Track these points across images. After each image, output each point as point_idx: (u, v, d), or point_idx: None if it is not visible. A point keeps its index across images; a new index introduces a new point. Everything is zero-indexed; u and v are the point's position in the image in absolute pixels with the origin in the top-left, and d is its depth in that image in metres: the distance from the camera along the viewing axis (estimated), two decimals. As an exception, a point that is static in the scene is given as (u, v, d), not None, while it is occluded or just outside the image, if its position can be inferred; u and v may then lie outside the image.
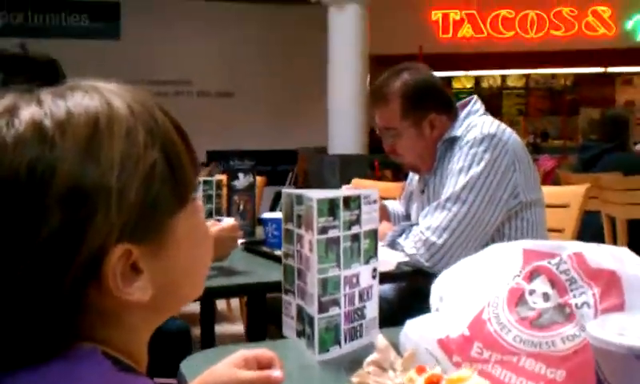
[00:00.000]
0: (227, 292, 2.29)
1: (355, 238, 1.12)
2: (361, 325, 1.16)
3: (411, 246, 1.96)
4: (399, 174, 6.11)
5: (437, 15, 11.00)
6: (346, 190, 1.18)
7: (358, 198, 1.11)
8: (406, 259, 1.95)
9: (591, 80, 12.68)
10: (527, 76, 12.94)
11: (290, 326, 1.19)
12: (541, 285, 0.91)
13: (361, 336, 1.16)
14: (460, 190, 1.95)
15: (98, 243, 0.56)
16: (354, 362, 1.10)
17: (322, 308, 1.08)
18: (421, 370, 0.83)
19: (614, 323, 0.67)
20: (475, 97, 2.19)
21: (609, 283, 0.86)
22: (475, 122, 2.04)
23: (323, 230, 1.06)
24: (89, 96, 0.60)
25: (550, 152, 8.47)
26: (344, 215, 1.09)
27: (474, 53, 10.99)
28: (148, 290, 0.60)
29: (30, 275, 0.55)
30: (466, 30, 11.13)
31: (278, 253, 2.12)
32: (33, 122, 0.57)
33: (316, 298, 1.07)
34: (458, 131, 2.06)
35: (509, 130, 2.04)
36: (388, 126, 2.11)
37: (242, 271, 1.95)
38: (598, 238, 4.09)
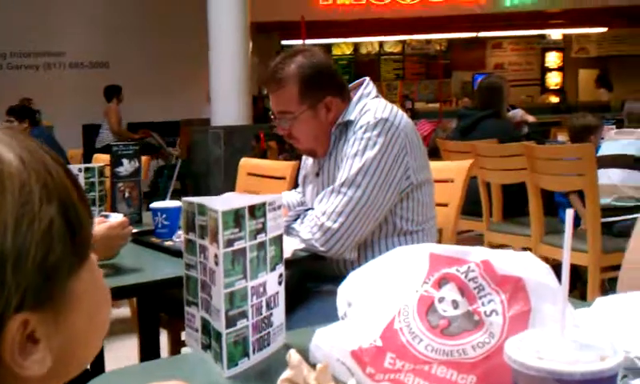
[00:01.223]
0: (118, 293, 2.18)
1: (261, 246, 1.09)
2: (268, 333, 1.14)
3: (307, 231, 1.96)
4: (284, 146, 6.11)
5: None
6: (250, 197, 1.14)
7: (263, 205, 1.08)
8: (302, 245, 1.95)
9: (463, 45, 13.19)
10: (404, 42, 13.28)
11: (194, 338, 1.15)
12: (450, 292, 0.92)
13: (268, 344, 1.14)
14: (355, 175, 1.96)
15: None
16: (262, 373, 1.09)
17: (230, 322, 1.05)
18: None
19: (531, 342, 0.69)
20: (367, 79, 2.19)
21: (515, 289, 0.89)
22: (368, 106, 2.06)
23: (229, 243, 1.03)
24: None
25: (426, 117, 8.76)
26: (249, 224, 1.06)
27: (353, 20, 11.11)
28: (46, 361, 0.55)
29: None
30: (345, -3, 11.23)
31: (167, 243, 2.07)
32: None
33: (223, 314, 1.04)
34: (351, 115, 2.07)
35: (400, 112, 2.07)
36: (285, 110, 2.08)
37: (131, 268, 1.87)
38: (475, 203, 4.28)
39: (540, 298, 0.88)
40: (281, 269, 1.15)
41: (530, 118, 5.41)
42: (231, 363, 1.06)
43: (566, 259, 0.71)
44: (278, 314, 1.16)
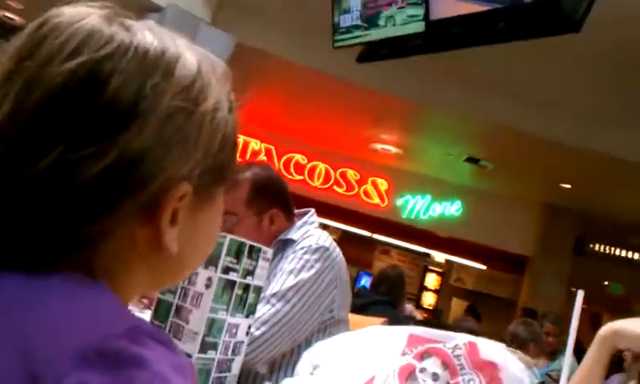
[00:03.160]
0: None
1: (246, 288, 1.11)
2: (225, 378, 1.13)
3: (229, 333, 1.94)
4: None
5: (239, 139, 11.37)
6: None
7: (259, 250, 1.12)
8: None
9: (356, 240, 13.70)
10: (301, 221, 13.57)
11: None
12: (432, 365, 0.97)
13: (223, 389, 1.12)
14: (287, 290, 2.00)
15: (177, 170, 0.54)
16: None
17: (202, 348, 1.04)
18: None
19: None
20: (312, 210, 2.31)
21: (493, 374, 0.95)
22: (312, 232, 2.14)
23: (226, 270, 1.05)
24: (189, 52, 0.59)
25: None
26: (245, 262, 1.09)
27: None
28: (175, 245, 0.57)
29: (99, 178, 0.51)
30: (261, 161, 11.58)
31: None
32: (150, 53, 0.55)
33: (200, 337, 1.03)
34: (294, 235, 2.14)
35: (338, 248, 2.16)
36: (230, 211, 2.13)
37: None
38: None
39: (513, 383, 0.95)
40: (251, 320, 1.17)
41: (418, 316, 5.65)
42: (192, 390, 1.04)
43: (572, 336, 0.79)
44: (237, 364, 1.15)
